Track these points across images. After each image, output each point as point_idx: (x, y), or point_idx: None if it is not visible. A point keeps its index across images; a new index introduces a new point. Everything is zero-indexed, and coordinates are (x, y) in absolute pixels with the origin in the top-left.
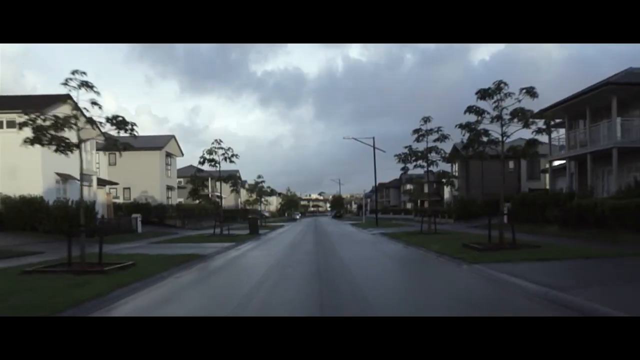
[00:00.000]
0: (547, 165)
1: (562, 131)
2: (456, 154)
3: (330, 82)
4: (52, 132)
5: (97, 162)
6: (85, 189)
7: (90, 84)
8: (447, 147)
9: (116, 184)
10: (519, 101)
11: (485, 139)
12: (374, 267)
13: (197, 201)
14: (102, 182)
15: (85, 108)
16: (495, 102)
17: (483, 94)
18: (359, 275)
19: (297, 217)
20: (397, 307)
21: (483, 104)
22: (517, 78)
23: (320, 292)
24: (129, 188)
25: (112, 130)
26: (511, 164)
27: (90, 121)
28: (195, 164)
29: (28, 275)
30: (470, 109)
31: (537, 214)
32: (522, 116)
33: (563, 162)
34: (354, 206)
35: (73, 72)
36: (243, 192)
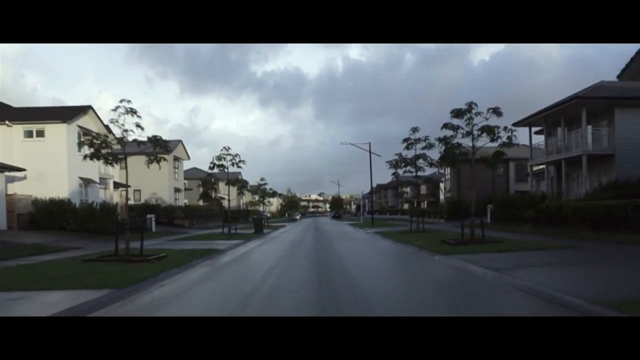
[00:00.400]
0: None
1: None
2: (445, 158)
3: (330, 82)
4: (105, 150)
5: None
6: (102, 191)
7: (134, 110)
8: (436, 152)
9: (128, 186)
10: (487, 119)
11: (458, 151)
12: (366, 260)
13: (207, 203)
14: (115, 185)
15: (132, 130)
16: (467, 120)
17: (457, 113)
18: (352, 266)
19: (297, 217)
20: (382, 289)
21: (457, 121)
22: (517, 78)
23: (319, 278)
24: (139, 190)
25: (149, 148)
26: (501, 168)
27: (137, 141)
28: (198, 165)
29: (88, 263)
30: (446, 126)
31: (515, 214)
32: (490, 132)
33: (544, 166)
34: (353, 207)
35: (121, 101)
36: (246, 193)
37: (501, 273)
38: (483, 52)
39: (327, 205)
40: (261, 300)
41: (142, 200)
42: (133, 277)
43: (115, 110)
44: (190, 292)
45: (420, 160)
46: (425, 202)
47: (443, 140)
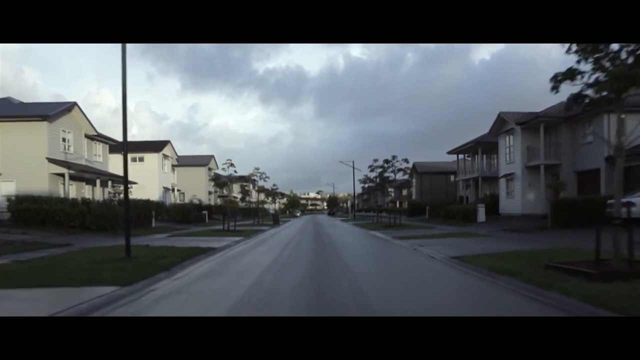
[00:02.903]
0: (458, 183)
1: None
2: (380, 185)
3: (331, 80)
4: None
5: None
6: (169, 194)
7: (233, 164)
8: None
9: (178, 190)
10: (400, 164)
11: (387, 180)
12: (338, 233)
13: (243, 203)
14: (177, 190)
15: (231, 174)
16: (390, 165)
17: (385, 162)
18: (331, 235)
19: (298, 214)
20: (339, 240)
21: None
22: (517, 77)
23: (316, 238)
24: (183, 193)
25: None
26: (452, 178)
27: (249, 182)
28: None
29: (217, 231)
30: (380, 167)
31: (438, 212)
32: (403, 171)
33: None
34: (349, 204)
35: (227, 160)
36: (254, 193)
37: (384, 234)
38: (484, 52)
39: (325, 204)
40: (297, 240)
41: (186, 200)
42: (244, 234)
43: (225, 163)
44: (271, 237)
45: (378, 179)
46: (406, 202)
47: (379, 175)
